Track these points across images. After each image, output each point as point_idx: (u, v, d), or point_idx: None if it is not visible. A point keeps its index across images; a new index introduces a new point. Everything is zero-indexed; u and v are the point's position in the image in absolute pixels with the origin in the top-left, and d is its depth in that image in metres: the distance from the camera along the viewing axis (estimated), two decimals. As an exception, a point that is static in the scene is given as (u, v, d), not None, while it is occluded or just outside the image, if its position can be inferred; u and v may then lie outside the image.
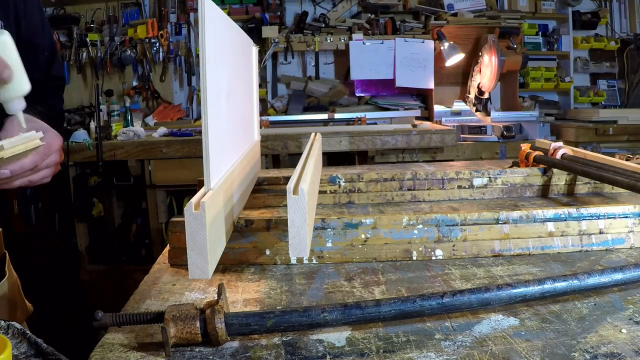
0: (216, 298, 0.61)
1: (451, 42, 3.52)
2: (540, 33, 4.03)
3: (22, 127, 0.86)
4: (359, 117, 3.34)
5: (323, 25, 3.69)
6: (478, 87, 3.58)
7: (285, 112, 3.63)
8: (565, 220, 0.90)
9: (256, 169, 1.19)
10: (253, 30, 3.61)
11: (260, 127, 3.18)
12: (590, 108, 3.91)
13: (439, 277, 0.80)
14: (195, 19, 3.69)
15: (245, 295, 0.75)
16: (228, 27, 0.79)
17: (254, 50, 1.17)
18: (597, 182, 1.25)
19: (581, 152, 1.37)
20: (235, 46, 0.87)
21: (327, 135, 2.81)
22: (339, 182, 1.24)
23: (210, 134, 0.62)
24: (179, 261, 0.87)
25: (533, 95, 3.97)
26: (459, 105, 3.67)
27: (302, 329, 0.61)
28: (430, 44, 3.62)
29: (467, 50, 3.64)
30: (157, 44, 3.57)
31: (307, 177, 0.71)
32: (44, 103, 1.03)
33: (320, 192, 1.23)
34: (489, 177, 1.27)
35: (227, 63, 0.78)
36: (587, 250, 0.90)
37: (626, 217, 0.90)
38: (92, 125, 2.93)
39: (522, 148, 1.39)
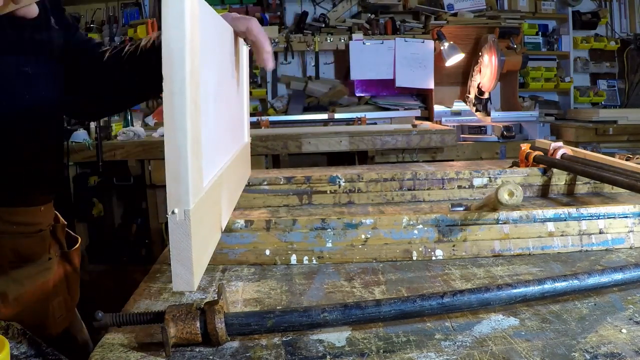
0: (216, 298, 0.61)
1: (451, 42, 3.52)
2: (540, 33, 4.03)
3: None
4: (359, 117, 3.34)
5: (323, 25, 3.69)
6: (478, 87, 3.58)
7: (285, 112, 3.63)
8: (565, 220, 0.90)
9: (247, 173, 1.18)
10: (253, 30, 3.60)
11: (260, 127, 3.19)
12: (590, 108, 3.91)
13: (439, 277, 0.80)
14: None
15: (245, 295, 0.75)
16: (216, 25, 0.77)
17: (245, 49, 1.16)
18: (597, 182, 1.25)
19: (581, 152, 1.37)
20: (223, 45, 0.86)
21: (327, 135, 2.81)
22: (339, 182, 1.24)
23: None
24: (179, 261, 0.87)
25: (533, 95, 3.97)
26: (459, 105, 3.67)
27: (302, 329, 0.61)
28: (430, 44, 3.62)
29: (467, 50, 3.64)
30: (157, 44, 3.57)
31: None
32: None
33: (320, 192, 1.23)
34: (489, 177, 1.27)
35: (215, 63, 0.76)
36: (587, 250, 0.90)
37: (626, 217, 0.90)
38: (92, 125, 2.93)
39: (522, 148, 1.39)
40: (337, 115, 3.46)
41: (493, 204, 0.85)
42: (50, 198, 1.01)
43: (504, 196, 0.77)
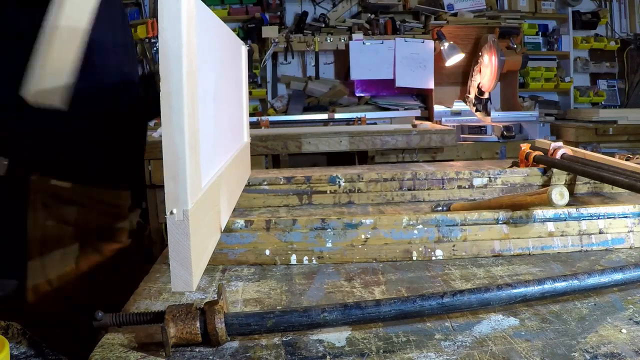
0: (216, 298, 0.61)
1: (451, 42, 3.52)
2: (540, 33, 4.03)
3: None
4: (359, 117, 3.34)
5: (323, 25, 3.69)
6: (478, 87, 3.58)
7: (285, 112, 3.63)
8: (565, 220, 0.90)
9: (247, 173, 1.18)
10: (253, 30, 3.61)
11: (260, 127, 3.19)
12: (590, 108, 3.91)
13: (439, 277, 0.80)
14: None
15: (245, 295, 0.75)
16: (214, 26, 0.78)
17: (243, 50, 1.16)
18: (597, 182, 1.25)
19: (581, 152, 1.37)
20: (222, 46, 0.86)
21: (327, 135, 2.80)
22: (339, 182, 1.24)
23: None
24: (179, 261, 0.87)
25: (533, 95, 3.97)
26: (459, 105, 3.67)
27: (302, 329, 0.61)
28: (430, 44, 3.62)
29: (467, 50, 3.64)
30: (157, 44, 3.57)
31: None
32: None
33: (320, 192, 1.23)
34: (489, 177, 1.27)
35: (214, 63, 0.76)
36: (587, 250, 0.90)
37: (626, 217, 0.90)
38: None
39: (522, 148, 1.39)
40: (337, 115, 3.46)
41: (540, 202, 0.87)
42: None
43: (556, 197, 0.84)
